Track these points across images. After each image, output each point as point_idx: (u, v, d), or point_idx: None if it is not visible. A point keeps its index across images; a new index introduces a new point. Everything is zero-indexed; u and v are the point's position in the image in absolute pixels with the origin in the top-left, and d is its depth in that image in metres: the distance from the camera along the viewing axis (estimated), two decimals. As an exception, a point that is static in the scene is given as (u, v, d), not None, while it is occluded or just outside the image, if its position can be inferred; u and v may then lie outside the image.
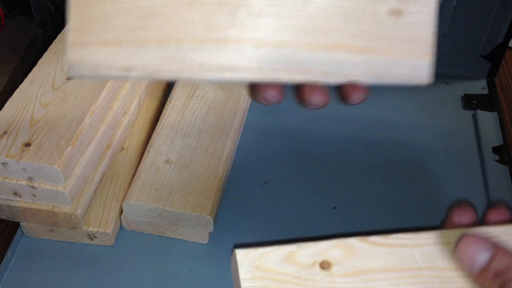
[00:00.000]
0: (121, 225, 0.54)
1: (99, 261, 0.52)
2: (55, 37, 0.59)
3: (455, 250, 0.30)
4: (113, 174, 0.55)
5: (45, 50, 0.57)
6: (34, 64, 0.56)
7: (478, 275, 0.29)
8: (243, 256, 0.30)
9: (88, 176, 0.52)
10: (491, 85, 0.72)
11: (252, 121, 0.65)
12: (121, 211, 0.52)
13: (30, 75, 0.54)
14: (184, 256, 0.52)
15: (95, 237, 0.52)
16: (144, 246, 0.53)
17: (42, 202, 0.49)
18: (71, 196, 0.48)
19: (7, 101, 0.51)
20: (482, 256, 0.29)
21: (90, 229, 0.51)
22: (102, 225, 0.51)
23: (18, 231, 0.53)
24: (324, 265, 0.30)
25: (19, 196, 0.49)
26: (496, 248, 0.29)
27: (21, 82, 0.53)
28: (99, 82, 0.53)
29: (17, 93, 0.52)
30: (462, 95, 0.71)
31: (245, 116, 0.64)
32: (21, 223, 0.52)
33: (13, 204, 0.49)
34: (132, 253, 0.52)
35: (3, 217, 0.51)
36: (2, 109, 0.51)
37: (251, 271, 0.30)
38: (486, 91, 0.71)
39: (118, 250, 0.53)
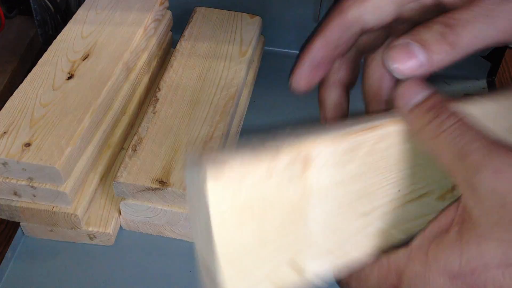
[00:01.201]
0: (121, 225, 0.54)
1: (99, 261, 0.52)
2: (55, 37, 0.59)
3: (397, 92, 0.28)
4: (113, 174, 0.55)
5: (45, 50, 0.57)
6: (34, 64, 0.56)
7: (410, 112, 0.28)
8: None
9: (88, 176, 0.52)
10: (491, 85, 0.72)
11: (252, 121, 0.65)
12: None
13: (30, 75, 0.54)
14: (184, 256, 0.52)
15: (95, 237, 0.52)
16: (144, 246, 0.53)
17: (42, 202, 0.49)
18: (71, 196, 0.48)
19: (7, 101, 0.51)
20: (419, 95, 0.28)
21: (90, 229, 0.51)
22: (102, 225, 0.51)
23: (18, 231, 0.53)
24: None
25: (19, 196, 0.49)
26: (434, 91, 0.28)
27: (21, 82, 0.53)
28: (99, 82, 0.54)
29: (17, 93, 0.52)
30: (462, 95, 0.71)
31: (244, 116, 0.64)
32: (21, 223, 0.52)
33: (13, 204, 0.49)
34: (132, 253, 0.52)
35: (3, 217, 0.51)
36: (2, 109, 0.51)
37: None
38: (486, 91, 0.71)
39: (118, 250, 0.53)
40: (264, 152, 0.24)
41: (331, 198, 0.26)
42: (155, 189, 0.48)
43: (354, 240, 0.28)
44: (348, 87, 0.34)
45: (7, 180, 0.48)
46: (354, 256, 0.28)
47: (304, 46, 0.32)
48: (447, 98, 0.28)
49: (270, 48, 0.73)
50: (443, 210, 0.27)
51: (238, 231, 0.24)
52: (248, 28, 0.65)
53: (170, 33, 0.69)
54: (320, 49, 0.31)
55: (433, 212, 0.29)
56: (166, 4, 0.66)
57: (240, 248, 0.24)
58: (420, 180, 0.29)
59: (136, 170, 0.49)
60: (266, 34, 0.71)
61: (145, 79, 0.62)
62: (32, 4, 0.70)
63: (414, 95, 0.28)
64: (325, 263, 0.27)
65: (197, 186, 0.23)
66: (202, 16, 0.67)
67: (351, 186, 0.27)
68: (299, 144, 0.25)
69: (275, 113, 0.66)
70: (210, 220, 0.23)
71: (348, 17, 0.31)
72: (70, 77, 0.54)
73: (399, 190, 0.29)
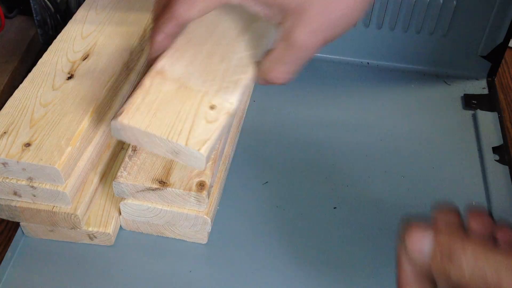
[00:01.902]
0: (121, 225, 0.54)
1: (99, 261, 0.52)
2: (55, 37, 0.59)
3: (406, 250, 0.31)
4: (113, 174, 0.55)
5: (45, 50, 0.57)
6: (34, 64, 0.56)
7: (429, 262, 0.30)
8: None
9: (88, 176, 0.52)
10: (491, 85, 0.72)
11: (252, 121, 0.65)
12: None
13: (30, 75, 0.54)
14: (184, 256, 0.52)
15: (95, 237, 0.52)
16: (144, 246, 0.53)
17: (42, 202, 0.49)
18: (71, 196, 0.48)
19: (7, 101, 0.51)
20: (425, 243, 0.30)
21: (90, 229, 0.51)
22: (102, 225, 0.51)
23: (18, 231, 0.53)
24: None
25: (19, 196, 0.49)
26: (434, 230, 0.31)
27: (21, 82, 0.53)
28: (99, 82, 0.53)
29: (17, 93, 0.52)
30: (462, 95, 0.71)
31: (244, 116, 0.64)
32: (21, 223, 0.52)
33: (13, 204, 0.49)
34: (132, 253, 0.52)
35: (3, 217, 0.51)
36: (2, 109, 0.51)
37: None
38: (486, 91, 0.71)
39: (118, 250, 0.53)
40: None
41: (189, 67, 0.42)
42: (155, 189, 0.48)
43: (234, 71, 0.41)
44: None
45: (7, 180, 0.48)
46: (243, 79, 0.41)
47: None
48: (445, 224, 0.32)
49: (270, 48, 0.73)
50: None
51: (151, 117, 0.39)
52: (248, 28, 0.65)
53: (170, 33, 0.69)
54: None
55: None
56: (166, 4, 0.66)
57: (162, 123, 0.39)
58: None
59: (136, 170, 0.49)
60: (266, 34, 0.71)
61: (145, 79, 0.62)
62: (32, 4, 0.70)
63: (422, 244, 0.31)
64: (229, 93, 0.40)
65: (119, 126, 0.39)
66: (202, 16, 0.66)
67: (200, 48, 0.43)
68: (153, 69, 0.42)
69: (275, 113, 0.67)
70: (135, 128, 0.39)
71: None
72: (70, 77, 0.54)
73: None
